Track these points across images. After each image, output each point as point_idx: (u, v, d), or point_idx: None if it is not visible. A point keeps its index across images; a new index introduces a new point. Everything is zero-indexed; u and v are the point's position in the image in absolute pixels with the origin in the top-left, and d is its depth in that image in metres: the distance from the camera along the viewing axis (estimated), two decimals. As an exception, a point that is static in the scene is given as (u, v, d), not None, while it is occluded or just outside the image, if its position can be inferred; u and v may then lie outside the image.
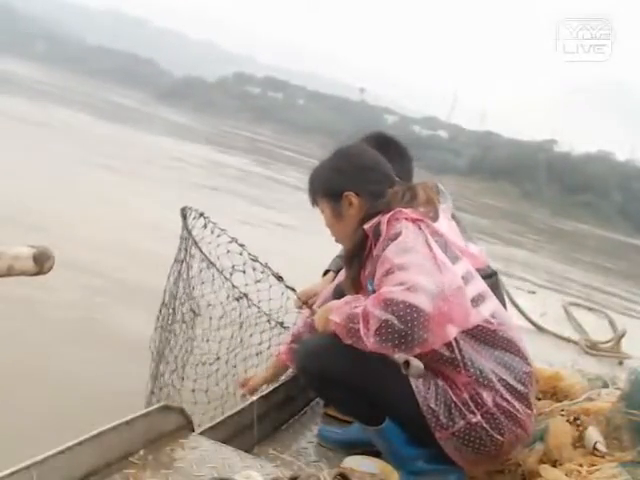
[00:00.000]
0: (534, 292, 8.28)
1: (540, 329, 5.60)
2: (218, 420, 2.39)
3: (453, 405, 2.09)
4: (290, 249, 8.99)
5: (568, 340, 5.39)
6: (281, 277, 2.99)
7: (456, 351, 2.08)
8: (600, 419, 2.44)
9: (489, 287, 2.32)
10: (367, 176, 2.37)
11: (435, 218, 2.21)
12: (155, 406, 2.11)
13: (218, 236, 2.98)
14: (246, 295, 2.99)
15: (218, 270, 2.96)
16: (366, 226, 2.23)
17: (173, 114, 51.18)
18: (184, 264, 3.08)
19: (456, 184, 50.95)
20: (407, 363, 1.91)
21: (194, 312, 3.11)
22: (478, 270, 2.31)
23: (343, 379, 2.18)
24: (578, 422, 2.45)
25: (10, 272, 1.28)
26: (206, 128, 44.54)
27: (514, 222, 33.29)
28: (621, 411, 2.37)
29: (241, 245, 2.98)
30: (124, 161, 15.06)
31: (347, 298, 2.15)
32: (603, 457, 2.27)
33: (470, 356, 2.09)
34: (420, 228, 2.12)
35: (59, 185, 9.60)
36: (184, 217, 3.07)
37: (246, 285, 3.00)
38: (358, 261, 2.26)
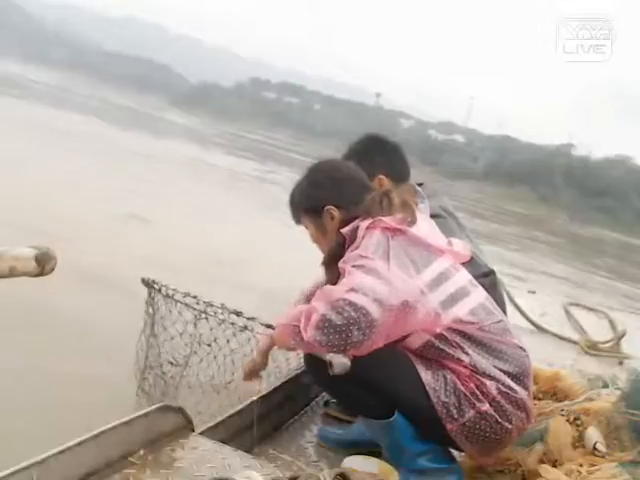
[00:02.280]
0: (534, 292, 8.22)
1: (540, 329, 5.56)
2: (218, 420, 2.40)
3: (462, 396, 2.11)
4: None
5: (568, 340, 5.36)
6: (239, 312, 3.10)
7: (449, 339, 2.12)
8: (600, 419, 2.42)
9: (487, 286, 2.33)
10: (345, 188, 2.41)
11: (413, 221, 2.22)
12: (155, 406, 2.12)
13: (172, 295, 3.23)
14: (247, 327, 3.10)
15: (213, 316, 3.15)
16: (344, 230, 2.27)
17: (189, 120, 51.31)
18: (155, 326, 3.36)
19: (473, 189, 50.75)
20: (330, 363, 1.93)
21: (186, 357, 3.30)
22: (465, 265, 2.32)
23: (353, 373, 2.18)
24: (578, 422, 2.44)
25: (12, 273, 1.30)
26: (222, 133, 44.62)
27: (531, 227, 33.04)
28: (621, 411, 2.37)
29: (194, 297, 3.17)
30: (139, 165, 15.14)
31: (300, 305, 2.20)
32: (603, 457, 2.26)
33: (464, 346, 2.12)
34: (389, 239, 2.13)
35: (78, 193, 9.64)
36: (150, 286, 3.31)
37: (211, 329, 3.17)
38: (337, 265, 2.26)
